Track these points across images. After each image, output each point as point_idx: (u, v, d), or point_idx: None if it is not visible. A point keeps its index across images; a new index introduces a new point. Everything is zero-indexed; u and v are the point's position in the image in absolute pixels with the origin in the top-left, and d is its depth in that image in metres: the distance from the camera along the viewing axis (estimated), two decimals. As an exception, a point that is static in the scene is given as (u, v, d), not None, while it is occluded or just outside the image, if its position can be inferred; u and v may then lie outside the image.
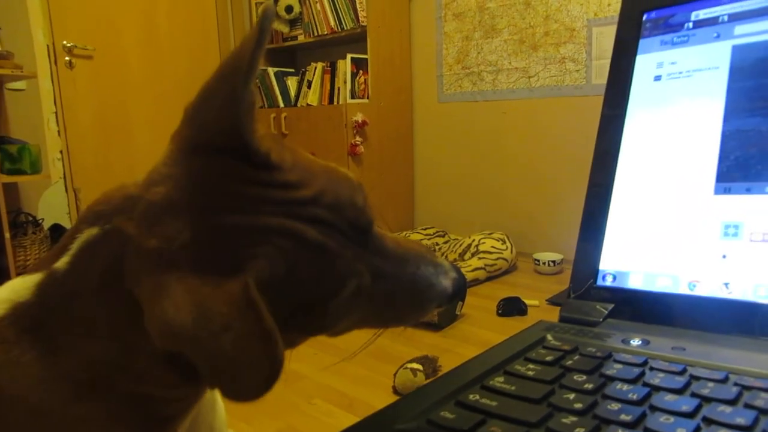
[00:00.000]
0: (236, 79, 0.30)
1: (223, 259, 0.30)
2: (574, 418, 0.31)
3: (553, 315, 0.48)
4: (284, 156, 0.33)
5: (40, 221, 2.78)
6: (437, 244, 2.98)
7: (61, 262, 0.33)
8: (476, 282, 2.53)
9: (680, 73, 0.49)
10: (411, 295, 0.38)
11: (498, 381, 0.37)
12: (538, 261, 2.69)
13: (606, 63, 2.51)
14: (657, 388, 0.34)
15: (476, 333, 1.99)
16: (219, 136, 0.31)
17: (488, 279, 2.60)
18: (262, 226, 0.31)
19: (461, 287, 0.40)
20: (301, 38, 3.47)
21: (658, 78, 0.50)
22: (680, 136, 0.48)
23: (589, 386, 0.35)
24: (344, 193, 0.35)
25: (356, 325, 0.38)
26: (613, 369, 0.37)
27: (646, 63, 0.51)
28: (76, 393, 0.32)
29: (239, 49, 0.30)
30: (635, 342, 0.42)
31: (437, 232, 3.19)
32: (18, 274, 0.36)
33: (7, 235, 2.43)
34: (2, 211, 2.40)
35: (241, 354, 0.27)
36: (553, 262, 2.65)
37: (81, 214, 0.34)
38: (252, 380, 0.28)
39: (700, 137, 0.46)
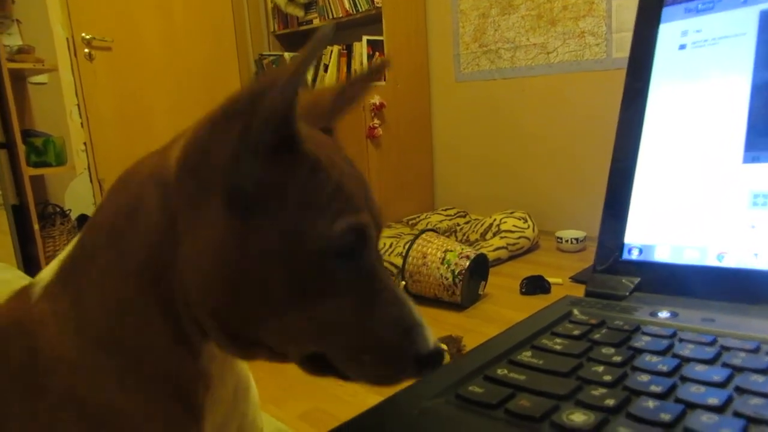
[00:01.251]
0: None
1: None
2: (603, 390, 0.31)
3: (576, 292, 0.48)
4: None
5: (68, 212, 2.84)
6: (458, 224, 2.98)
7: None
8: (498, 261, 2.52)
9: (706, 41, 0.48)
10: (384, 330, 0.35)
11: (526, 355, 0.37)
12: (561, 239, 2.68)
13: (627, 36, 2.47)
14: (687, 359, 0.34)
15: (499, 312, 1.99)
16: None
17: (510, 258, 2.59)
18: None
19: (434, 358, 0.35)
20: (316, 22, 3.46)
21: (683, 47, 0.49)
22: (707, 105, 0.47)
23: (618, 359, 0.35)
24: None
25: (320, 345, 0.35)
26: (641, 341, 0.37)
27: (670, 32, 0.50)
28: (118, 380, 0.34)
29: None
30: (663, 314, 0.42)
31: (458, 212, 3.18)
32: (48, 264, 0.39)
33: (36, 226, 2.49)
34: (30, 202, 2.45)
35: None
36: (576, 239, 2.63)
37: (112, 184, 0.37)
38: None
39: (727, 105, 0.45)
